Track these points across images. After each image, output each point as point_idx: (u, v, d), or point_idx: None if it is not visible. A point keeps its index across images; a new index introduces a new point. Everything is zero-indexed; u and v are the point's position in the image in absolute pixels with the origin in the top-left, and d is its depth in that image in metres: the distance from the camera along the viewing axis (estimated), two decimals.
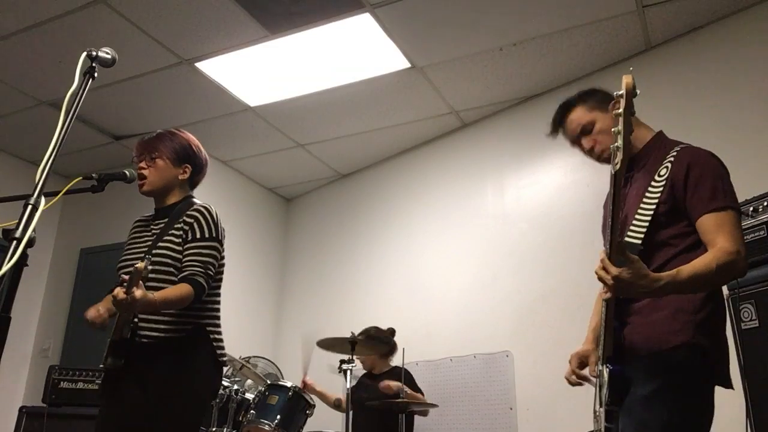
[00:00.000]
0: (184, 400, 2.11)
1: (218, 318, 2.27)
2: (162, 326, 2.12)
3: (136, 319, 2.09)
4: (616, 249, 1.54)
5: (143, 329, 2.11)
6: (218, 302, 2.29)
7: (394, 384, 3.54)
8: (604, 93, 2.04)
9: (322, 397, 3.95)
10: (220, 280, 2.31)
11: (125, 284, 1.87)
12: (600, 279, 1.58)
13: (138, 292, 1.88)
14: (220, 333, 2.25)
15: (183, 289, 2.08)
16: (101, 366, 2.15)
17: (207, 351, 2.19)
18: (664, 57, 3.86)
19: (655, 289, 1.58)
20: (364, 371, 4.03)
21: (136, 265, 1.85)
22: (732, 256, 1.65)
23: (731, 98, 3.53)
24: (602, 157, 1.99)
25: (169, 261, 2.16)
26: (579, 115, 2.02)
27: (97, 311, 2.18)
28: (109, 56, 1.65)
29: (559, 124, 2.07)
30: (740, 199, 2.48)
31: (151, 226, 2.31)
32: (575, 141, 2.05)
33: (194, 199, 2.33)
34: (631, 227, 1.79)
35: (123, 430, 2.08)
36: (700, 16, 3.67)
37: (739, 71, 3.54)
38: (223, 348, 2.25)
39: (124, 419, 2.08)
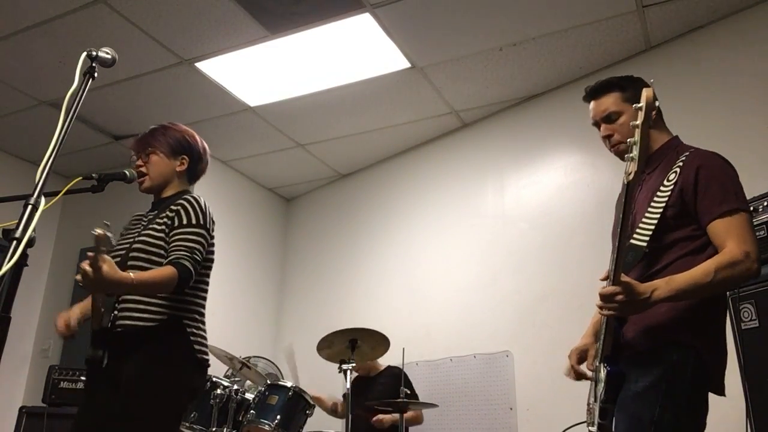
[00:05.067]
0: (156, 399, 1.99)
1: (200, 313, 2.17)
2: (135, 314, 2.03)
3: (116, 311, 2.04)
4: (620, 270, 1.61)
5: (118, 318, 2.03)
6: (201, 296, 2.19)
7: (387, 418, 3.58)
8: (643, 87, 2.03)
9: (319, 402, 3.89)
10: (208, 274, 2.23)
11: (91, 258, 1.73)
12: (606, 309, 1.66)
13: (105, 267, 1.75)
14: (200, 329, 2.14)
15: (164, 270, 1.99)
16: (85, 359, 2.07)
17: (182, 345, 2.07)
18: (664, 57, 3.85)
19: (651, 303, 1.63)
20: (357, 374, 4.00)
21: (95, 231, 1.68)
22: (738, 258, 1.65)
23: (731, 98, 3.52)
24: (616, 149, 1.98)
25: (150, 249, 2.09)
26: (611, 102, 1.98)
27: (66, 321, 2.11)
28: (109, 56, 1.66)
29: (591, 96, 2.04)
30: None
31: (143, 219, 2.28)
32: (597, 123, 2.03)
33: (188, 194, 2.25)
34: (638, 229, 1.81)
35: (95, 431, 2.00)
36: (700, 16, 3.67)
37: (739, 71, 3.54)
38: (203, 345, 2.13)
39: (95, 419, 2.00)
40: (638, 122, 1.50)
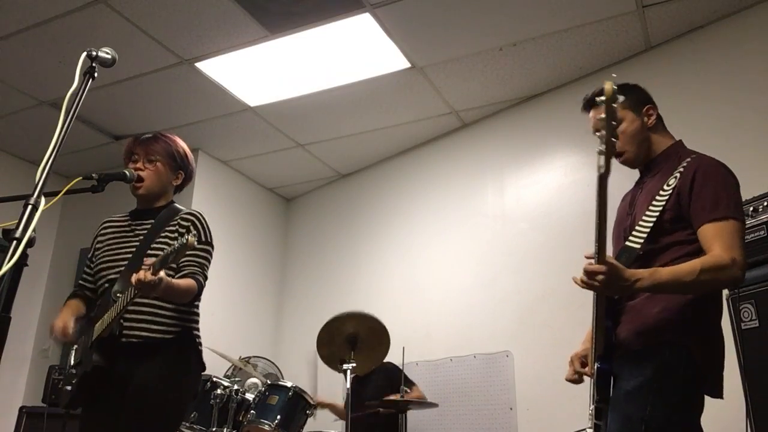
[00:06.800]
0: (173, 404, 2.12)
1: (198, 323, 2.30)
2: (153, 326, 2.12)
3: (121, 320, 2.08)
4: (604, 251, 1.62)
5: (131, 329, 2.10)
6: (198, 308, 2.31)
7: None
8: (644, 94, 2.03)
9: (333, 409, 3.91)
10: None
11: (150, 265, 1.82)
12: (588, 285, 1.66)
13: (163, 273, 1.86)
14: (200, 338, 2.28)
15: (191, 283, 2.10)
16: (71, 369, 2.13)
17: (195, 356, 2.22)
18: (664, 57, 3.85)
19: (633, 291, 1.67)
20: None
21: (186, 239, 1.77)
22: (725, 263, 1.66)
23: (731, 98, 3.52)
24: (615, 156, 1.98)
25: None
26: None
27: (65, 327, 2.13)
28: (109, 56, 1.66)
29: (590, 104, 2.02)
30: None
31: (134, 228, 2.30)
32: (597, 129, 2.02)
33: (177, 205, 2.36)
34: (634, 232, 1.83)
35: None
36: (700, 16, 3.67)
37: (739, 71, 3.54)
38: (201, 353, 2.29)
39: (111, 424, 2.06)
40: (602, 116, 1.53)
